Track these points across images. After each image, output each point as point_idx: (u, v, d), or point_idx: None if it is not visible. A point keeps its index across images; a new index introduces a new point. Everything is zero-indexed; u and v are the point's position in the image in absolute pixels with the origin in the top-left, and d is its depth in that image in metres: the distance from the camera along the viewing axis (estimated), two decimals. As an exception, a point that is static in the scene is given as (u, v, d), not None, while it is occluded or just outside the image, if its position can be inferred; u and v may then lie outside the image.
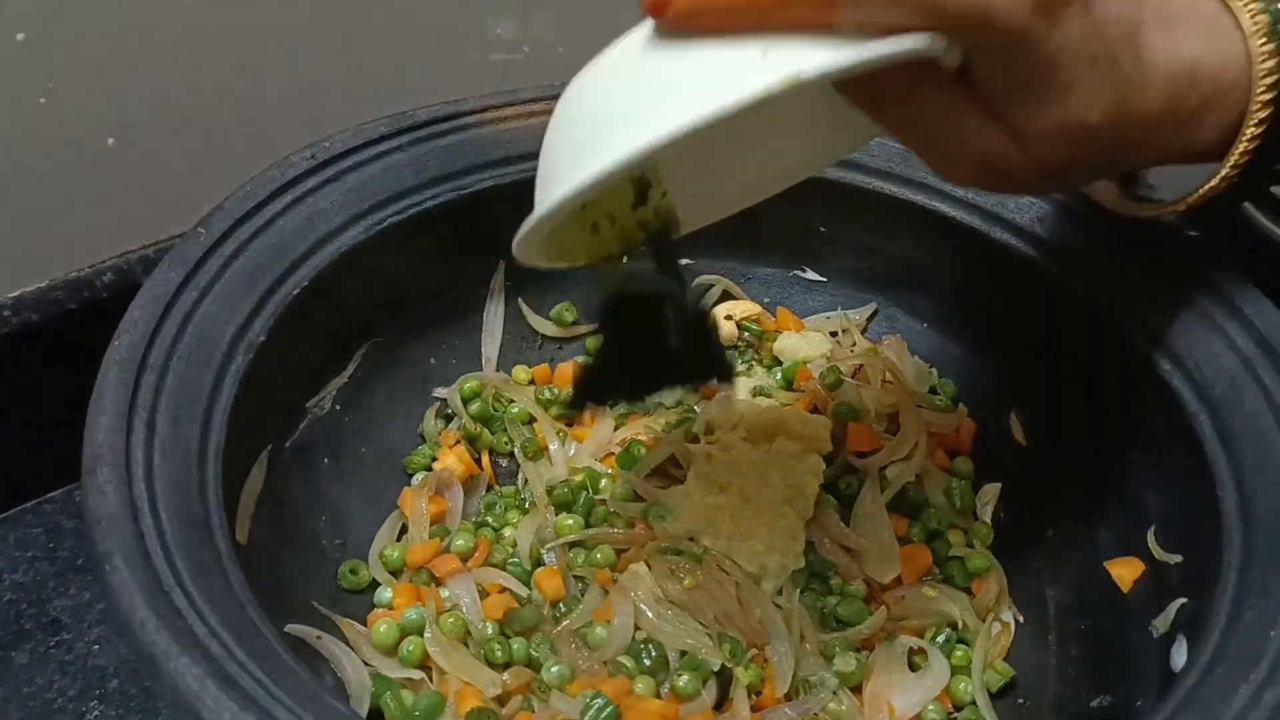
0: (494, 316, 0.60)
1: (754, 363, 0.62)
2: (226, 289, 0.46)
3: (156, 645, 0.31)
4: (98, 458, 0.37)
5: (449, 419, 0.58)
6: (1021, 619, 0.51)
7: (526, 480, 0.56)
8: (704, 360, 0.43)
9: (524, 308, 0.61)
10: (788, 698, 0.47)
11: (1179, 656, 0.42)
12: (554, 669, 0.46)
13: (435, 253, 0.56)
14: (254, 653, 0.33)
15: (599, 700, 0.43)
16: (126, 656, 0.54)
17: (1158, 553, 0.47)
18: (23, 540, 0.59)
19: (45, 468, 0.61)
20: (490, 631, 0.48)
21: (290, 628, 0.44)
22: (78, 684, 0.53)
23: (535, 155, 0.56)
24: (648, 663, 0.46)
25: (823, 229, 0.61)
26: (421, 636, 0.46)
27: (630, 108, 0.32)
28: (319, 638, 0.45)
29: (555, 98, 0.57)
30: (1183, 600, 0.44)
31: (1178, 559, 0.46)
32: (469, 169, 0.55)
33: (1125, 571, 0.48)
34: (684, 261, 0.63)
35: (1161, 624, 0.44)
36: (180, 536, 0.36)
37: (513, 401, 0.58)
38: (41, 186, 0.60)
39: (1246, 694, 0.34)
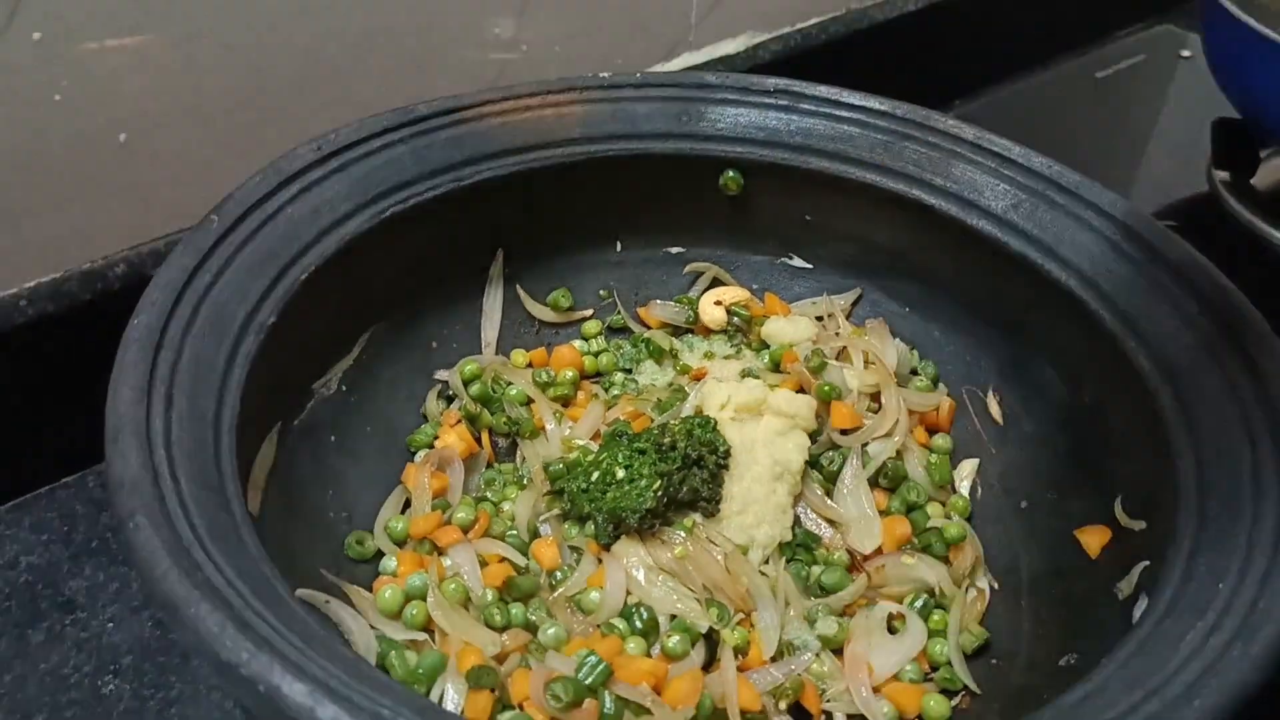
0: (493, 302, 0.63)
1: (743, 346, 0.64)
2: (238, 273, 0.48)
3: (178, 594, 0.34)
4: (119, 427, 0.39)
5: (450, 400, 0.60)
6: (996, 585, 0.53)
7: (524, 458, 0.58)
8: None
9: (522, 294, 0.64)
10: (773, 660, 0.49)
11: (1140, 613, 0.44)
12: (550, 631, 0.48)
13: (436, 241, 0.58)
14: (268, 603, 0.36)
15: (592, 658, 0.45)
16: (140, 634, 0.56)
17: (1124, 520, 0.49)
18: (38, 524, 0.61)
19: (59, 454, 0.63)
20: (490, 597, 0.50)
21: (300, 593, 0.46)
22: (93, 661, 0.55)
23: (533, 147, 0.60)
24: (639, 625, 0.49)
25: (809, 218, 0.63)
26: (424, 601, 0.49)
27: None
28: (327, 602, 0.48)
29: (550, 92, 0.60)
30: (1145, 563, 0.46)
31: (1141, 525, 0.48)
32: (468, 161, 0.58)
33: (1093, 539, 0.50)
34: (675, 250, 0.66)
35: (1126, 586, 0.47)
36: (198, 499, 0.39)
37: (511, 384, 0.60)
38: (56, 181, 0.62)
39: (1195, 639, 0.36)
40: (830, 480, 0.56)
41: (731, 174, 0.62)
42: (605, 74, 0.61)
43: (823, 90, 0.61)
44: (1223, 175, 0.90)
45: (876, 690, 0.49)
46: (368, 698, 0.32)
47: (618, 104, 0.60)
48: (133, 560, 0.35)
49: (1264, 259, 0.84)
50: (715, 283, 0.66)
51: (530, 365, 0.63)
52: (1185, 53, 1.08)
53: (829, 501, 0.55)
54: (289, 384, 0.52)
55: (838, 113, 0.61)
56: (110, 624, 0.57)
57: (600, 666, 0.45)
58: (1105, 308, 0.52)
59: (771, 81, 0.61)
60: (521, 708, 0.45)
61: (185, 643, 0.33)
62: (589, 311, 0.65)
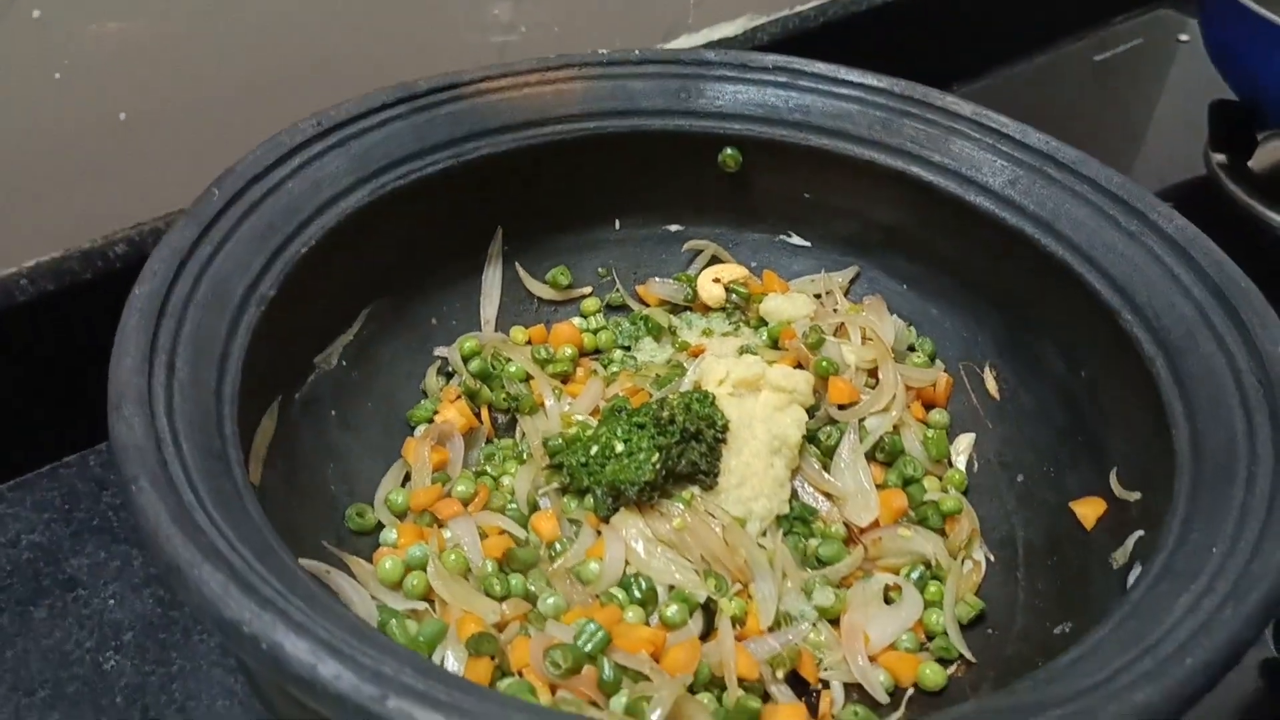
0: (492, 280, 0.63)
1: (741, 323, 0.65)
2: (239, 245, 0.49)
3: (181, 556, 0.34)
4: (122, 394, 0.39)
5: (450, 376, 0.61)
6: (992, 557, 0.54)
7: (524, 434, 0.59)
8: None
9: (521, 272, 0.64)
10: (770, 630, 0.50)
11: (1133, 581, 0.44)
12: (549, 601, 0.49)
13: (436, 217, 0.59)
14: (271, 567, 0.36)
15: (591, 625, 0.45)
16: (142, 611, 0.56)
17: (1119, 491, 0.49)
18: (39, 503, 0.61)
19: (60, 433, 0.63)
20: (490, 568, 0.50)
21: (301, 563, 0.47)
22: (94, 637, 0.55)
23: (532, 124, 0.60)
24: (638, 595, 0.49)
25: (807, 195, 0.64)
26: (424, 572, 0.49)
27: None
28: (328, 573, 0.48)
29: (550, 69, 0.60)
30: (1140, 533, 0.46)
31: (1136, 496, 0.48)
32: (468, 136, 0.58)
33: (1089, 510, 0.51)
34: (674, 228, 0.67)
35: (1121, 556, 0.47)
36: (201, 466, 0.39)
37: (510, 360, 0.61)
38: (56, 160, 0.62)
39: (1187, 602, 0.36)
40: (828, 455, 0.57)
41: (730, 151, 0.62)
42: (604, 51, 0.61)
43: (821, 67, 0.61)
44: (1220, 158, 0.90)
45: (873, 659, 0.49)
46: (370, 657, 0.32)
47: (617, 81, 0.61)
48: (137, 523, 0.36)
49: (1261, 241, 0.84)
50: (714, 260, 0.66)
51: (529, 342, 0.63)
52: (1183, 37, 1.08)
53: (826, 476, 0.56)
54: (290, 357, 0.52)
55: (836, 90, 0.61)
56: (112, 601, 0.57)
57: (599, 634, 0.45)
58: (1102, 282, 0.52)
59: (770, 59, 0.62)
60: (521, 675, 0.45)
61: (189, 603, 0.34)
62: (588, 289, 0.66)
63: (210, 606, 0.33)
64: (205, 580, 0.33)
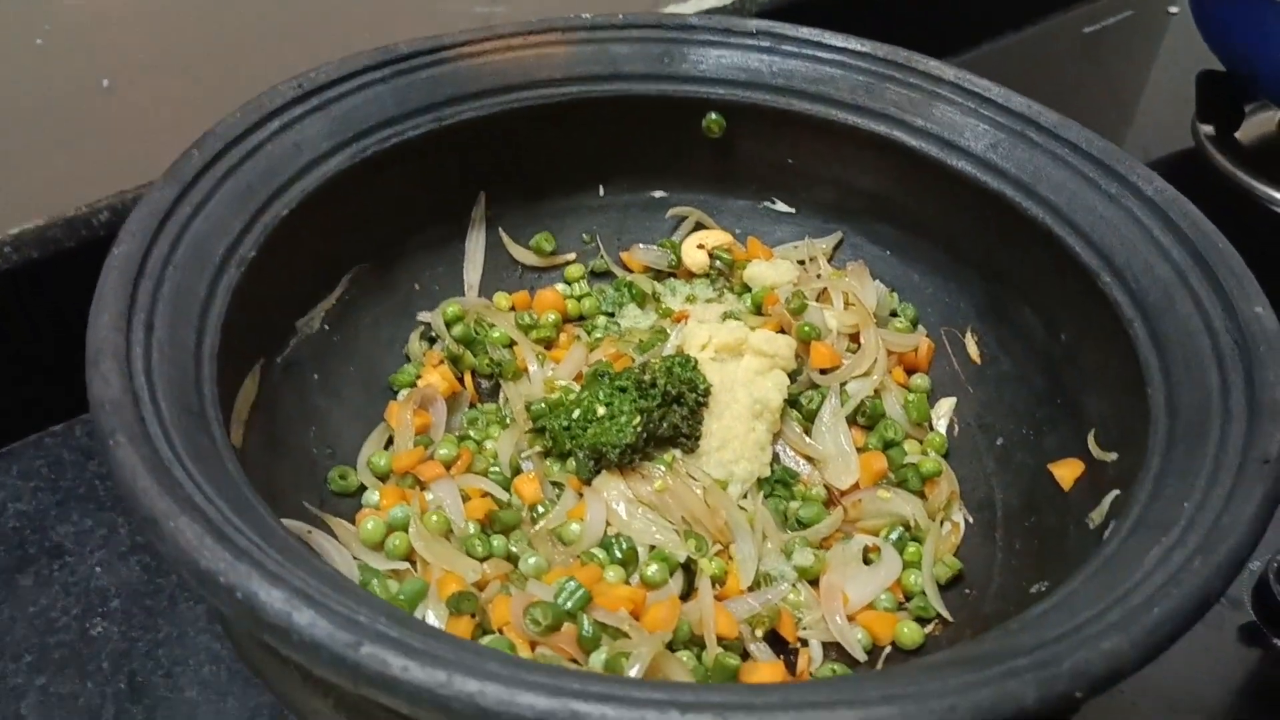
0: (475, 245, 0.63)
1: (725, 290, 0.65)
2: (219, 207, 0.48)
3: (157, 508, 0.34)
4: (100, 351, 0.39)
5: (433, 341, 0.61)
6: (971, 519, 0.54)
7: (507, 399, 0.59)
8: None
9: (504, 237, 0.64)
10: (750, 590, 0.50)
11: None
12: (531, 561, 0.49)
13: (418, 181, 0.58)
14: (248, 520, 0.36)
15: (571, 584, 0.46)
16: (128, 578, 0.57)
17: (1096, 453, 0.50)
18: (25, 471, 0.61)
19: (46, 402, 0.63)
20: (472, 529, 0.50)
21: (283, 523, 0.47)
22: (80, 604, 0.56)
23: (514, 88, 0.60)
24: (618, 555, 0.49)
25: (791, 161, 0.64)
26: (406, 532, 0.49)
27: None
28: (310, 533, 0.48)
29: (532, 33, 0.60)
30: (1116, 492, 0.47)
31: (1113, 457, 0.49)
32: (449, 100, 0.58)
33: (1067, 472, 0.51)
34: (658, 194, 0.67)
35: (1097, 516, 0.47)
36: (178, 423, 0.39)
37: (494, 326, 0.61)
38: (38, 127, 0.62)
39: (1158, 555, 0.37)
40: (809, 419, 0.57)
41: (714, 116, 0.62)
42: (587, 15, 0.61)
43: (804, 32, 0.61)
44: (1207, 129, 0.91)
45: (851, 619, 0.49)
46: (345, 606, 0.32)
47: (600, 45, 0.60)
48: (114, 477, 0.36)
49: (1247, 211, 0.85)
50: (698, 227, 0.66)
51: (513, 308, 0.63)
52: (1173, 8, 1.08)
53: (807, 439, 0.56)
54: (271, 320, 0.52)
55: (819, 54, 0.61)
56: (98, 568, 0.57)
57: (579, 592, 0.45)
58: (1082, 244, 0.52)
59: (753, 23, 0.62)
60: (501, 632, 0.46)
61: (165, 555, 0.34)
62: (572, 255, 0.66)
63: (186, 557, 0.33)
64: (181, 531, 0.34)
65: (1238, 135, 0.90)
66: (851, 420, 0.57)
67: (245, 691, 0.52)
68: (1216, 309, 0.46)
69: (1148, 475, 0.42)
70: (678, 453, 0.54)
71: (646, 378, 0.54)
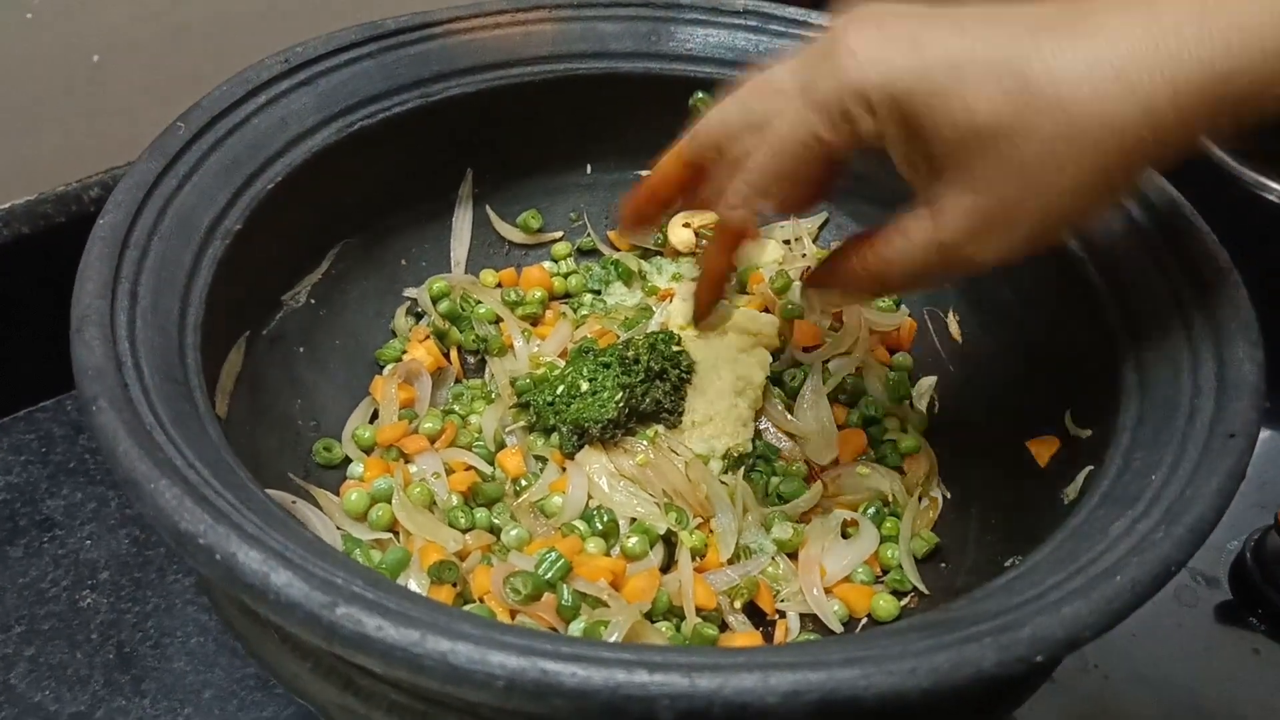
0: (462, 222, 0.63)
1: (710, 268, 0.65)
2: (204, 179, 0.49)
3: (139, 470, 0.35)
4: (84, 318, 0.40)
5: (419, 317, 0.61)
6: (949, 495, 0.55)
7: (492, 374, 0.59)
8: None
9: (491, 215, 0.64)
10: (730, 562, 0.51)
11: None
12: (513, 533, 0.50)
13: (404, 157, 0.59)
14: (228, 485, 0.37)
15: (552, 554, 0.46)
16: (118, 551, 0.57)
17: (1072, 429, 0.50)
18: (16, 445, 0.62)
19: (36, 377, 0.63)
20: (455, 501, 0.51)
21: (267, 492, 0.47)
22: (70, 575, 0.56)
23: (501, 65, 0.60)
24: (599, 527, 0.50)
25: (776, 141, 0.64)
26: (390, 504, 0.50)
27: None
28: (294, 503, 0.49)
29: (520, 10, 0.60)
30: (1090, 467, 0.47)
31: (1088, 433, 0.49)
32: (436, 77, 0.58)
33: (1043, 449, 0.52)
34: (645, 173, 0.66)
35: (1071, 491, 0.48)
36: (161, 390, 0.40)
37: (480, 302, 0.61)
38: (28, 102, 0.62)
39: (1123, 525, 0.37)
40: (791, 396, 0.57)
41: (701, 95, 0.62)
42: (577, -8, 0.61)
43: (792, 12, 0.61)
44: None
45: (828, 591, 0.50)
46: (322, 569, 0.33)
47: (587, 23, 0.61)
48: (97, 442, 0.36)
49: (1232, 195, 0.85)
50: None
51: (499, 285, 0.64)
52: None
53: (789, 416, 0.56)
54: (257, 293, 0.53)
55: (807, 34, 0.61)
56: (88, 541, 0.58)
57: (559, 562, 0.46)
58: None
59: (742, 2, 0.62)
60: (482, 601, 0.46)
61: (146, 516, 0.34)
62: (559, 233, 0.66)
63: (166, 519, 0.34)
64: (161, 493, 0.34)
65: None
66: (833, 398, 0.57)
67: (232, 662, 0.52)
68: (1188, 287, 0.46)
69: (1118, 450, 0.42)
70: (660, 428, 0.54)
71: (630, 354, 0.54)
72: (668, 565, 0.50)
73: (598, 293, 0.65)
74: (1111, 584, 0.34)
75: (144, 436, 0.36)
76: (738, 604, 0.49)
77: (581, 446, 0.53)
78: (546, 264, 0.65)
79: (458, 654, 0.30)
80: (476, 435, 0.55)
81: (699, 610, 0.47)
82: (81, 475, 0.61)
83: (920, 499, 0.54)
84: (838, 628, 0.49)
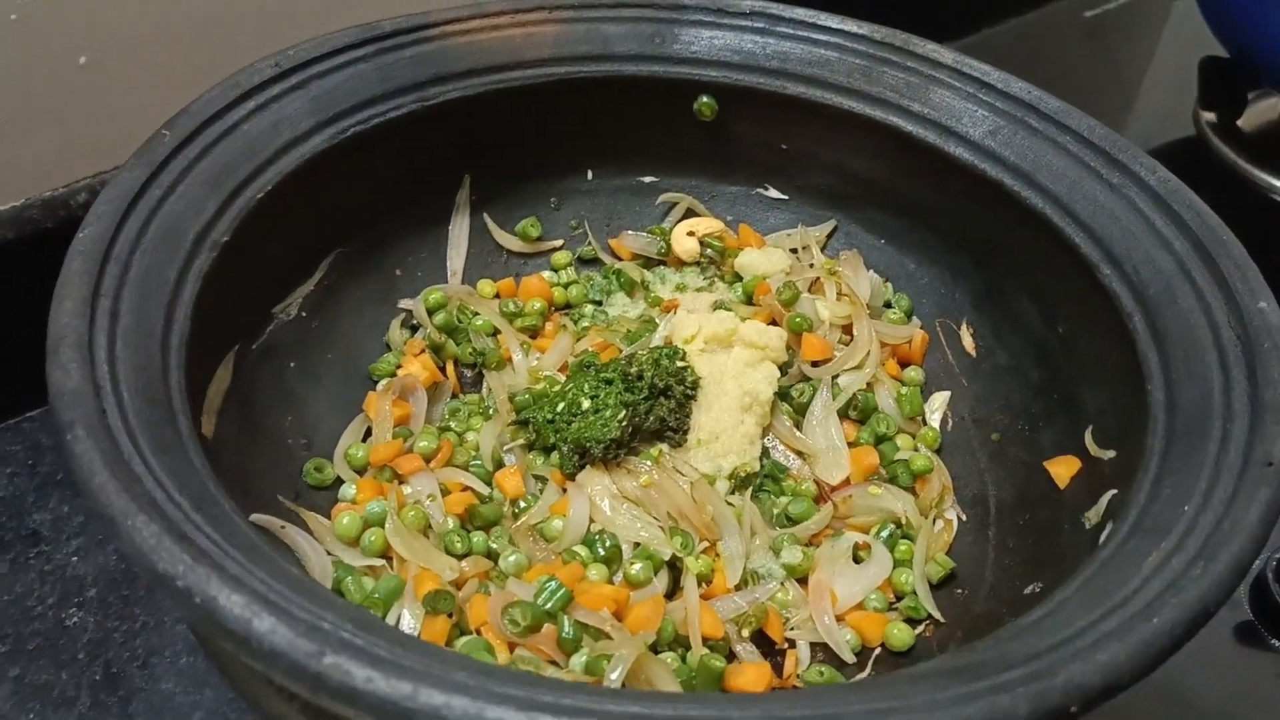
0: (459, 230, 0.61)
1: (716, 278, 0.63)
2: (191, 188, 0.47)
3: (115, 506, 0.33)
4: (61, 339, 0.38)
5: (414, 329, 0.59)
6: (965, 517, 0.53)
7: (490, 389, 0.57)
8: None
9: (489, 223, 0.62)
10: (737, 588, 0.49)
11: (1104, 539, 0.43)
12: (511, 558, 0.48)
13: (400, 164, 0.57)
14: (210, 518, 0.35)
15: (552, 583, 0.44)
16: (105, 567, 0.55)
17: (1093, 450, 0.48)
18: (3, 456, 0.60)
19: (23, 387, 0.61)
20: (451, 525, 0.49)
21: (255, 517, 0.46)
22: (57, 592, 0.54)
23: (501, 68, 0.58)
24: (601, 552, 0.48)
25: (785, 146, 0.62)
26: (383, 528, 0.48)
27: None
28: (283, 528, 0.47)
29: (521, 11, 0.58)
30: (1114, 491, 0.46)
31: (1111, 454, 0.47)
32: (434, 80, 0.56)
33: (1063, 469, 0.50)
34: (648, 179, 0.65)
35: (1094, 515, 0.46)
36: (142, 414, 0.38)
37: (477, 314, 0.59)
38: (14, 105, 0.60)
39: (1156, 560, 0.35)
40: (800, 412, 0.56)
41: (706, 99, 0.60)
42: (578, -7, 0.59)
43: (799, 13, 0.59)
44: (1209, 116, 0.89)
45: (840, 619, 0.48)
46: (308, 611, 0.31)
47: (590, 24, 0.59)
48: (73, 472, 0.34)
49: (1248, 199, 0.83)
50: (689, 213, 0.65)
51: (497, 296, 0.62)
52: (1176, -7, 1.06)
53: (798, 433, 0.55)
54: (247, 306, 0.51)
55: (815, 36, 0.59)
56: (75, 557, 0.56)
57: (560, 591, 0.44)
58: (1081, 235, 0.51)
59: (748, 3, 0.60)
60: (479, 633, 0.44)
61: (123, 555, 0.33)
62: (559, 242, 0.64)
63: (143, 559, 0.32)
64: (139, 530, 0.32)
65: (1240, 122, 0.88)
66: (843, 414, 0.55)
67: (222, 683, 0.51)
68: (1219, 303, 0.45)
69: (1146, 475, 0.41)
70: (664, 447, 0.52)
71: (633, 370, 0.52)
72: (672, 591, 0.48)
73: (599, 303, 0.63)
74: (1149, 627, 0.32)
75: (122, 467, 0.34)
76: (746, 633, 0.47)
77: (583, 467, 0.51)
78: (546, 274, 0.63)
79: (453, 709, 0.28)
80: (473, 453, 0.53)
81: (705, 640, 0.46)
82: (69, 487, 0.59)
83: (935, 521, 0.52)
84: (850, 658, 0.47)
